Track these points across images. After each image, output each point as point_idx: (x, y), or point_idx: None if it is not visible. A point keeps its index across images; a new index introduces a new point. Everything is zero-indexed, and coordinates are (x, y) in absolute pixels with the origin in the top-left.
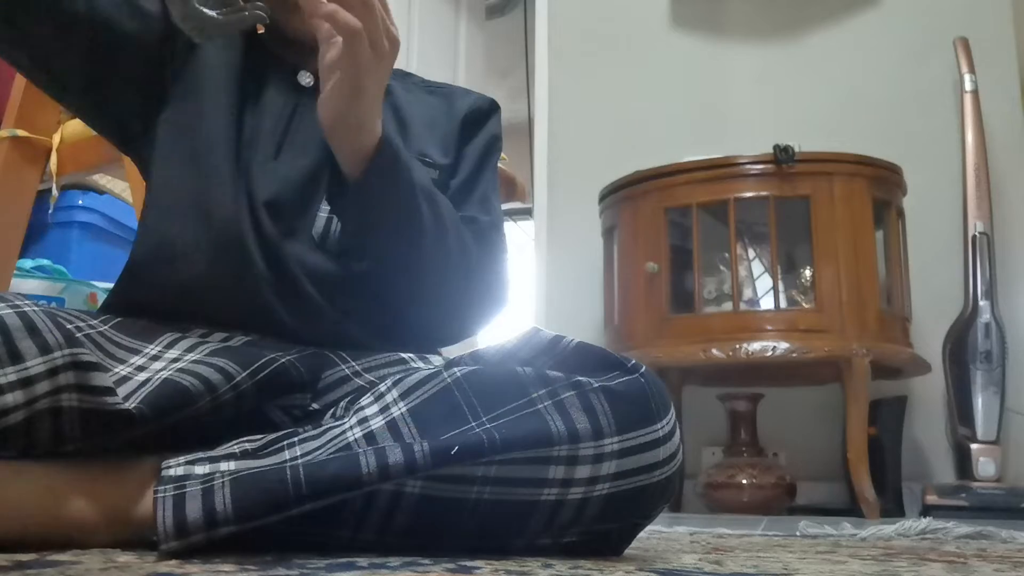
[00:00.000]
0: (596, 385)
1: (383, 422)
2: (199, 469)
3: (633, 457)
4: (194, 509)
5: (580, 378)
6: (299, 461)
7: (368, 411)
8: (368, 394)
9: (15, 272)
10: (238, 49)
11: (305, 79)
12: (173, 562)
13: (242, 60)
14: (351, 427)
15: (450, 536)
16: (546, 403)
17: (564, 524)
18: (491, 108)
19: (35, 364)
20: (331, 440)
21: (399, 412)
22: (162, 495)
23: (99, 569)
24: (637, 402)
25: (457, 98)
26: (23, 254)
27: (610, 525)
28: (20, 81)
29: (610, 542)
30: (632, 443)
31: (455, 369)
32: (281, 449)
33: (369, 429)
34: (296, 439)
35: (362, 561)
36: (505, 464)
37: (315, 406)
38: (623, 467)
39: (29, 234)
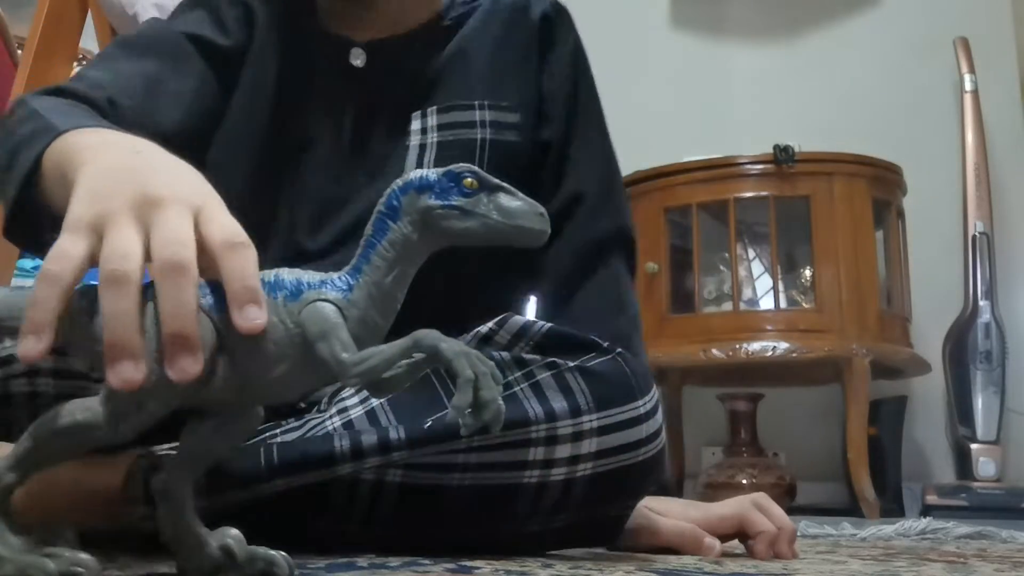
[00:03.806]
0: (572, 365)
1: (362, 411)
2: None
3: (615, 435)
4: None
5: (556, 359)
6: (275, 442)
7: (348, 402)
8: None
9: (15, 272)
10: (278, 55)
11: (357, 59)
12: (173, 562)
13: (284, 60)
14: (331, 416)
15: (435, 524)
16: (522, 385)
17: (550, 508)
18: (559, 15)
19: (12, 345)
20: (311, 429)
21: (378, 401)
22: (137, 468)
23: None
24: (615, 381)
25: (530, 8)
26: (23, 254)
27: (600, 508)
28: (20, 81)
29: (604, 530)
30: (612, 420)
31: None
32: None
33: (348, 418)
34: (279, 430)
35: (362, 561)
36: (484, 450)
37: (301, 404)
38: (605, 445)
39: None
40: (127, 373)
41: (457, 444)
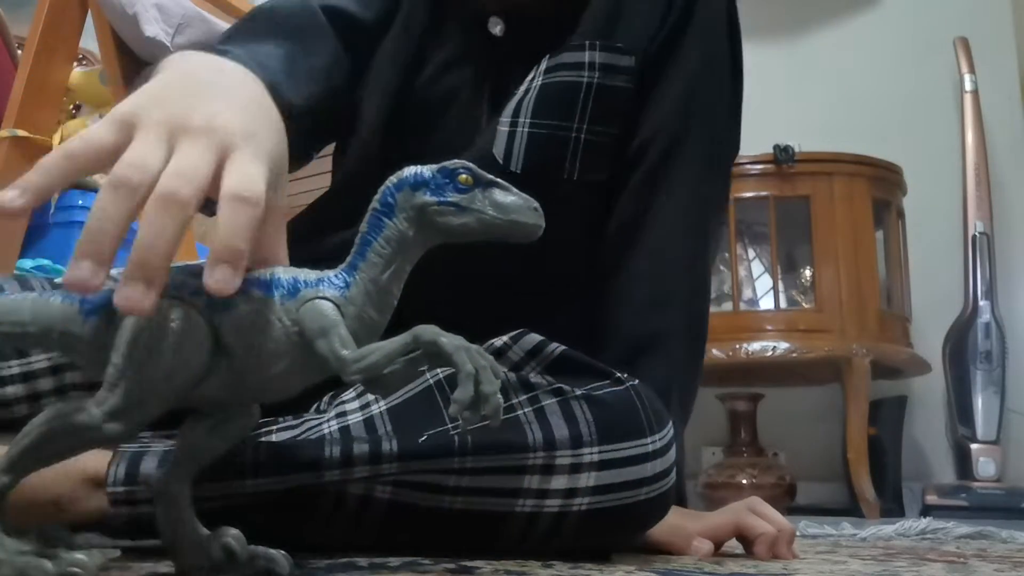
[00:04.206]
0: (579, 393)
1: (361, 418)
2: (161, 445)
3: (616, 471)
4: (149, 466)
5: (563, 385)
6: (263, 441)
7: (348, 406)
8: (351, 388)
9: (15, 272)
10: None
11: (496, 27)
12: (173, 562)
13: (424, 29)
14: (328, 420)
15: (421, 544)
16: (526, 409)
17: (541, 538)
18: None
19: (39, 359)
20: (307, 430)
21: (378, 409)
22: (120, 451)
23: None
24: (624, 413)
25: None
26: (23, 254)
27: (595, 542)
28: (20, 81)
29: (599, 554)
30: (615, 455)
31: (439, 370)
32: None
33: (346, 423)
34: (275, 427)
35: (362, 561)
36: (478, 474)
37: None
38: (604, 480)
39: (29, 234)
40: (83, 273)
41: (451, 463)
